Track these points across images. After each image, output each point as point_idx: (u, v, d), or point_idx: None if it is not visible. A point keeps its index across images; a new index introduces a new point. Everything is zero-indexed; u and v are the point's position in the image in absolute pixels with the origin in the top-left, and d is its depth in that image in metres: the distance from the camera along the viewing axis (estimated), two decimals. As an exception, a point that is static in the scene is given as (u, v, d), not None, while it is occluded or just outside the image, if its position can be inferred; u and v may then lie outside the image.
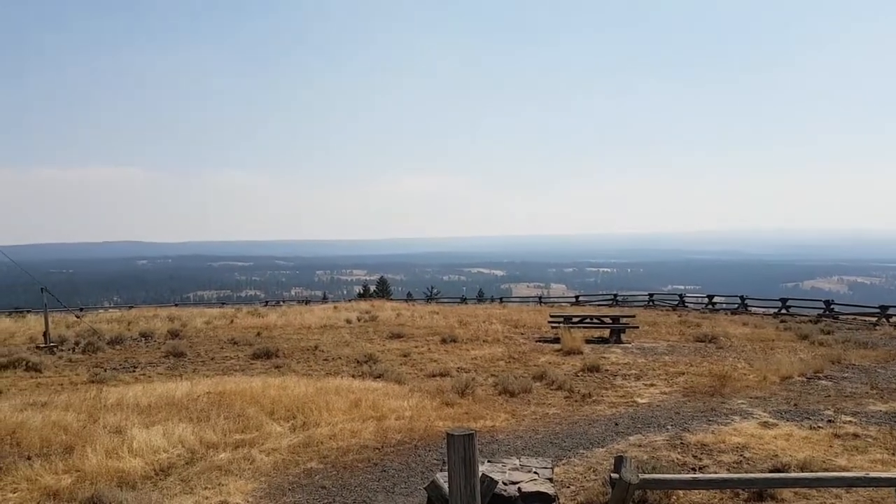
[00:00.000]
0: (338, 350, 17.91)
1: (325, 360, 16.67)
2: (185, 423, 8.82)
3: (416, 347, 17.97)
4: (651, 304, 33.82)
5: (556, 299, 43.35)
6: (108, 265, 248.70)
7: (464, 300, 42.68)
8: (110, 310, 36.78)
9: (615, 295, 36.64)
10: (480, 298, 47.83)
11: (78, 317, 26.02)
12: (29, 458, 7.53)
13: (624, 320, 20.00)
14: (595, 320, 20.63)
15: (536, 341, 19.01)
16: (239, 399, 10.17)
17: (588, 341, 18.11)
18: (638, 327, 20.36)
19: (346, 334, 21.15)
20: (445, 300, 44.77)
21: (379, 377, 13.53)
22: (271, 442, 8.47)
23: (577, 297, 38.60)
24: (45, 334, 19.24)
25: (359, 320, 25.10)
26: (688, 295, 34.45)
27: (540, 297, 40.71)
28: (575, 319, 20.69)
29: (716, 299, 31.26)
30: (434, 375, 13.97)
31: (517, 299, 44.68)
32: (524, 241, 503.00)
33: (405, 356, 16.65)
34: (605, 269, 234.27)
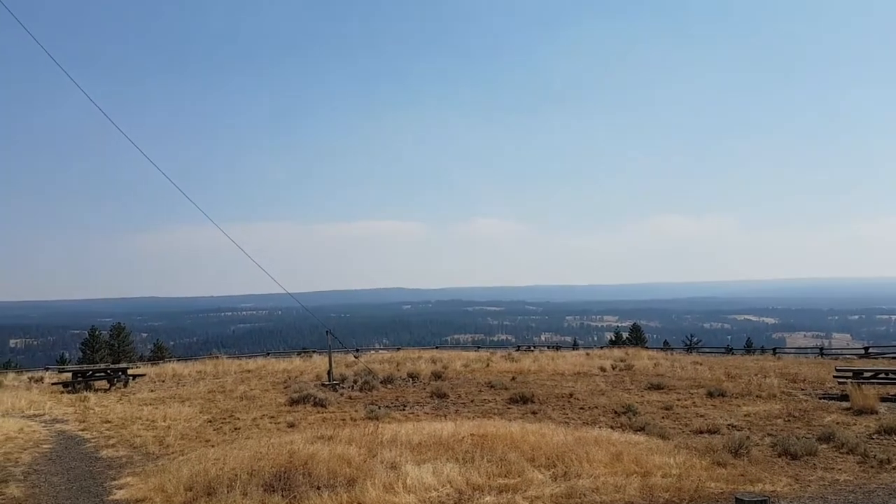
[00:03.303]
0: (593, 399, 17.52)
1: (581, 408, 16.40)
2: (452, 463, 9.19)
3: (678, 400, 16.90)
4: (966, 358, 28.13)
5: (839, 351, 38.10)
6: (378, 310, 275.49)
7: (729, 350, 39.34)
8: (381, 351, 40.27)
9: (917, 347, 31.16)
10: (749, 349, 43.68)
11: (356, 357, 28.78)
12: (318, 489, 8.26)
13: (932, 377, 16.83)
14: (892, 375, 17.70)
15: (819, 398, 16.76)
16: (500, 443, 10.35)
17: (883, 399, 15.58)
18: (951, 386, 16.99)
19: (601, 383, 20.61)
20: (707, 350, 41.70)
21: (640, 430, 12.92)
22: (533, 489, 8.43)
23: (866, 348, 33.51)
24: (328, 373, 21.55)
25: (613, 368, 24.35)
26: None
27: (821, 349, 36.13)
28: (866, 374, 17.94)
29: None
30: (701, 432, 13.01)
31: (792, 350, 40.05)
32: (799, 286, 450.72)
33: (667, 409, 15.73)
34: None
